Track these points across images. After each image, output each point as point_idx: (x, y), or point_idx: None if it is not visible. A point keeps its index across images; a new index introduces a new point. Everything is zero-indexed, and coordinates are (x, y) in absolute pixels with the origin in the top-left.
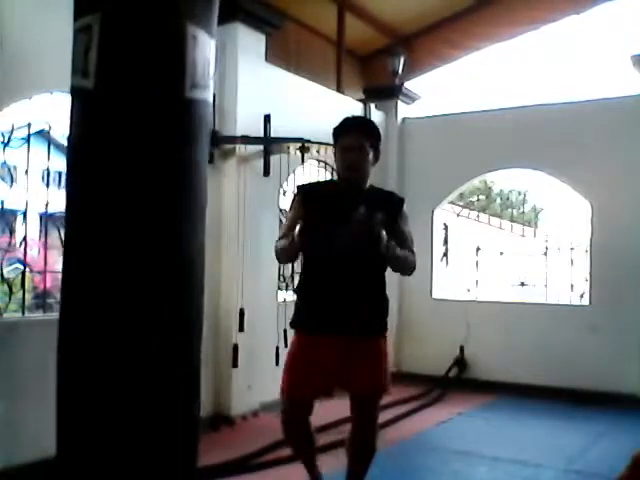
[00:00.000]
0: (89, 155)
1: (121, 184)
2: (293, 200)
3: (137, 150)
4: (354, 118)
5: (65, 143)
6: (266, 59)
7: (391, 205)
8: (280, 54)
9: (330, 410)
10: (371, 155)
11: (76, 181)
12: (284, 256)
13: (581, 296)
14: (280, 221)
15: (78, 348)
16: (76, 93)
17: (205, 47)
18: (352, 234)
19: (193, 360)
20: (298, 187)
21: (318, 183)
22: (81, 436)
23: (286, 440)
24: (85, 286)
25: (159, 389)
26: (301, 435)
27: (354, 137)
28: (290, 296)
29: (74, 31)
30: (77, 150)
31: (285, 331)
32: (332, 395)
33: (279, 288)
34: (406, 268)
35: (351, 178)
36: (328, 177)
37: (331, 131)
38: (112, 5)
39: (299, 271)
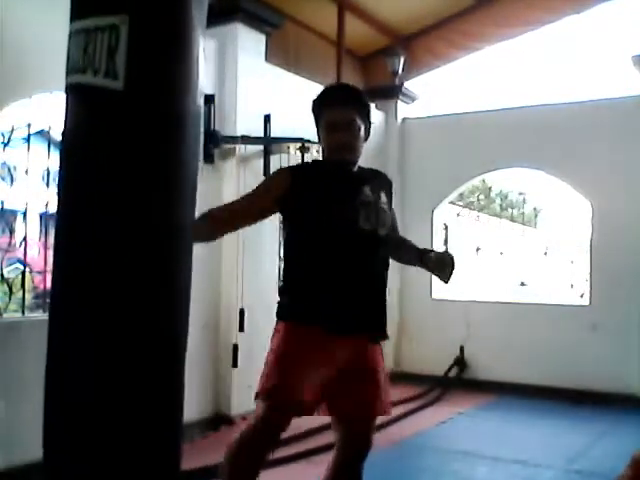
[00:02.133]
0: (114, 155)
1: (142, 184)
2: (271, 175)
3: (157, 151)
4: (341, 87)
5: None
6: (266, 59)
7: (387, 185)
8: (280, 54)
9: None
10: (362, 131)
11: (90, 180)
12: (210, 228)
13: (581, 296)
14: (280, 221)
15: (66, 349)
16: (96, 93)
17: (206, 55)
18: (365, 216)
19: (177, 364)
20: (290, 166)
21: (308, 163)
22: (66, 440)
23: (234, 466)
24: (72, 284)
25: (143, 388)
26: (260, 462)
27: (344, 111)
28: None
29: (80, 30)
30: (96, 149)
31: None
32: (311, 413)
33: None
34: None
35: (344, 160)
36: None
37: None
38: (140, 8)
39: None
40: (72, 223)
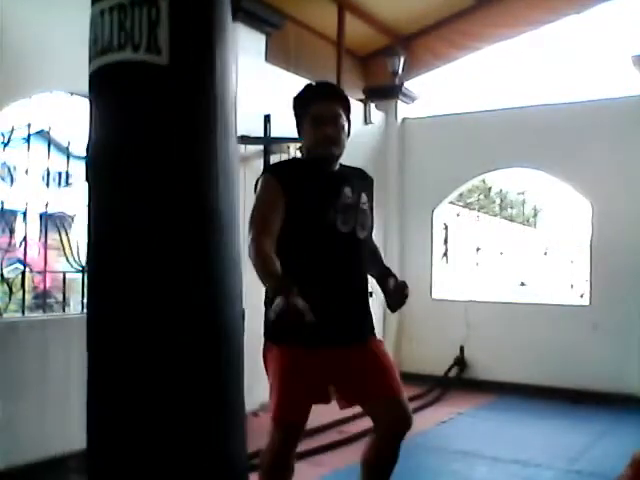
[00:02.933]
0: (159, 133)
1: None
2: (264, 185)
3: (200, 131)
4: (325, 84)
5: (65, 143)
6: (266, 59)
7: (368, 185)
8: (280, 54)
9: (330, 410)
10: (346, 127)
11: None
12: (259, 272)
13: (581, 296)
14: None
15: (109, 345)
16: (138, 69)
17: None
18: (348, 218)
19: (228, 356)
20: (269, 170)
21: (288, 163)
22: (111, 432)
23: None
24: (115, 283)
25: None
26: (290, 473)
27: (329, 106)
28: None
29: (112, 7)
30: (139, 126)
31: None
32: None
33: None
34: None
35: (329, 155)
36: None
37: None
38: None
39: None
40: (110, 215)
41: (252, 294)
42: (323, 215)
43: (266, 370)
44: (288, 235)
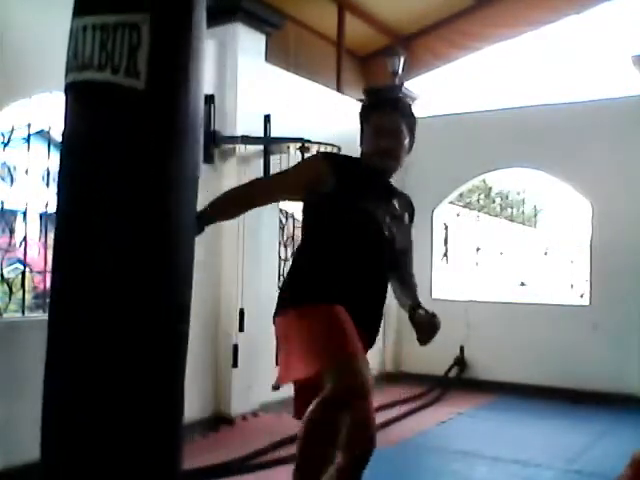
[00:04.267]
0: (130, 154)
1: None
2: (312, 161)
3: (173, 152)
4: (392, 95)
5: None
6: (266, 59)
7: (411, 209)
8: (280, 54)
9: None
10: (407, 142)
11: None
12: (248, 199)
13: (581, 296)
14: (280, 221)
15: (66, 348)
16: (114, 91)
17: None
18: (394, 231)
19: (178, 358)
20: (323, 153)
21: (345, 158)
22: (66, 438)
23: (325, 437)
24: (73, 281)
25: (142, 386)
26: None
27: (392, 118)
28: None
29: (95, 25)
30: (111, 147)
31: None
32: None
33: (279, 288)
34: None
35: (385, 166)
36: None
37: (331, 132)
38: (159, 7)
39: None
40: (77, 224)
41: (250, 294)
42: (371, 213)
43: (286, 336)
44: (337, 226)
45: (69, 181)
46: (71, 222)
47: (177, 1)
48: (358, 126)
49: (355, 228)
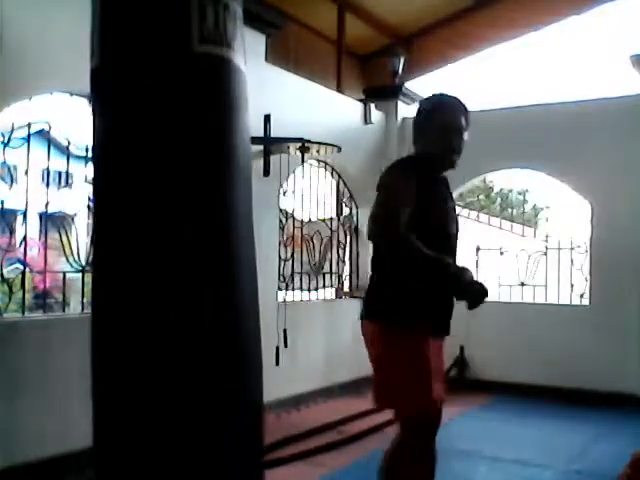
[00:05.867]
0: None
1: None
2: (401, 176)
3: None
4: (456, 97)
5: (65, 143)
6: (266, 59)
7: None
8: (280, 54)
9: (329, 410)
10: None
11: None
12: (420, 260)
13: (581, 296)
14: (280, 221)
15: (113, 342)
16: (226, 65)
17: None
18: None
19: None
20: (402, 166)
21: (414, 162)
22: (119, 430)
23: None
24: (122, 285)
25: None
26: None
27: (461, 118)
28: (290, 296)
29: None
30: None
31: (285, 331)
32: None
33: (279, 288)
34: None
35: (453, 164)
36: (329, 178)
37: (331, 132)
38: None
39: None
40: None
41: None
42: (444, 218)
43: (377, 353)
44: (418, 228)
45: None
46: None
47: None
48: (420, 125)
49: (441, 237)
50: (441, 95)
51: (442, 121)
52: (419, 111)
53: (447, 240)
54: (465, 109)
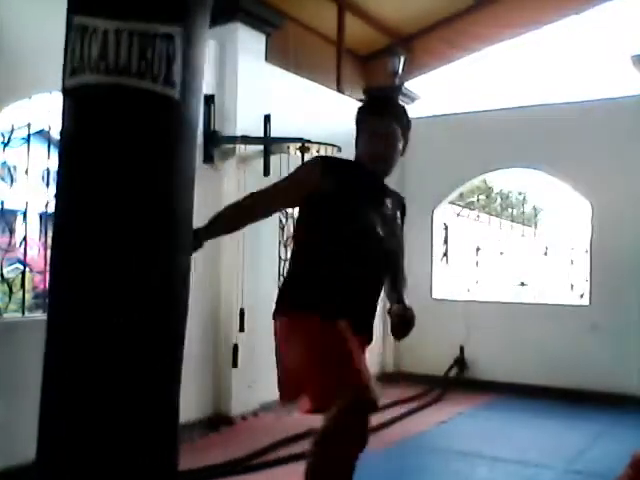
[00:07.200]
0: (162, 158)
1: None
2: (309, 166)
3: (190, 156)
4: (386, 98)
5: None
6: (266, 59)
7: (402, 207)
8: (280, 54)
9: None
10: (400, 146)
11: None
12: (250, 214)
13: (581, 296)
14: (280, 221)
15: (65, 343)
16: (152, 99)
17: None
18: (387, 232)
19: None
20: (320, 157)
21: (341, 161)
22: (62, 435)
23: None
24: (70, 285)
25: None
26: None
27: (386, 121)
28: None
29: (133, 32)
30: (152, 156)
31: None
32: None
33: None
34: None
35: (378, 170)
36: None
37: (331, 132)
38: (190, 20)
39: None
40: (82, 226)
41: (250, 294)
42: (367, 215)
43: (287, 341)
44: (333, 228)
45: (77, 180)
46: (74, 223)
47: (200, 14)
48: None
49: (353, 231)
50: (373, 96)
51: (367, 126)
52: (356, 112)
53: (365, 240)
54: (397, 112)
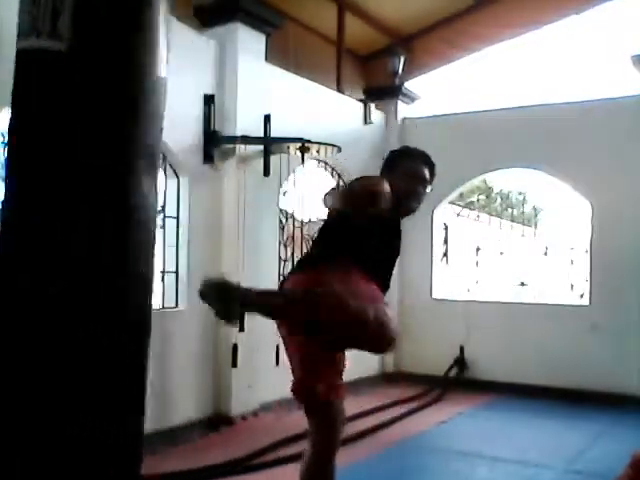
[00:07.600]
0: (61, 121)
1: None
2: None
3: (107, 121)
4: (424, 152)
5: None
6: (266, 59)
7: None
8: (280, 54)
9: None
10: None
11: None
12: None
13: (581, 296)
14: (280, 221)
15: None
16: (39, 56)
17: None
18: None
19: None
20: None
21: None
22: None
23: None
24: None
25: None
26: None
27: (424, 169)
28: None
29: None
30: (41, 115)
31: None
32: None
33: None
34: None
35: (413, 209)
36: (328, 177)
37: (331, 132)
38: None
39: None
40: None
41: None
42: (385, 265)
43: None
44: (354, 256)
45: (14, 154)
46: (16, 197)
47: None
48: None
49: (368, 260)
50: (409, 147)
51: (409, 169)
52: (387, 156)
53: (378, 256)
54: (431, 164)
